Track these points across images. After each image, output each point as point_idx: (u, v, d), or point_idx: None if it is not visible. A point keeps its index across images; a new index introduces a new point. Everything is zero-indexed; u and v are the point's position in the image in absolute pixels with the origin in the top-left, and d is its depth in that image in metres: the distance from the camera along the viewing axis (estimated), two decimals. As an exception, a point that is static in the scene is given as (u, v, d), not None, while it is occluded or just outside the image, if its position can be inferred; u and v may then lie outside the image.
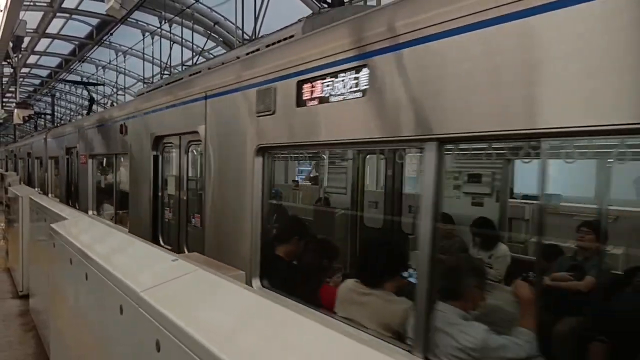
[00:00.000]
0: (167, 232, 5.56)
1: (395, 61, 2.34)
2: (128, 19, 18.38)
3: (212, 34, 19.38)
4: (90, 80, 29.36)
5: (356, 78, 2.54)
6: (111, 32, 21.49)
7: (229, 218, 3.89)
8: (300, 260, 3.89)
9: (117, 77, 28.31)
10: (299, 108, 3.01)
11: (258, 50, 4.01)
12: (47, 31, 24.08)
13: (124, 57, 25.59)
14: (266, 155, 3.48)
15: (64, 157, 10.50)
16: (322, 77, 2.80)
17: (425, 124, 2.20)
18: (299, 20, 3.83)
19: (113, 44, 24.55)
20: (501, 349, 2.35)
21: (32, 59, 29.73)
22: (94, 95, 31.77)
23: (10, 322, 6.38)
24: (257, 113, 3.43)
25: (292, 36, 3.67)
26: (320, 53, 2.82)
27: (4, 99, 27.90)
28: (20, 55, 20.72)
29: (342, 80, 2.64)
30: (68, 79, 31.76)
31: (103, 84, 27.26)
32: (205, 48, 19.34)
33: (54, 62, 31.23)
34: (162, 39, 20.22)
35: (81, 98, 38.88)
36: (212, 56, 21.27)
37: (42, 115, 30.33)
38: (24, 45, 20.74)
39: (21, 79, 27.47)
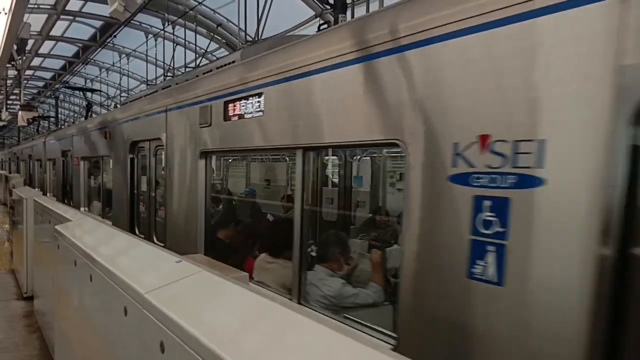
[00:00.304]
0: (141, 223, 6.51)
1: (276, 91, 3.35)
2: (131, 21, 18.45)
3: (215, 35, 19.43)
4: (91, 86, 29.64)
5: (258, 102, 3.55)
6: (115, 34, 21.57)
7: (184, 210, 4.84)
8: (233, 241, 5.01)
9: (120, 79, 28.42)
10: (225, 122, 3.98)
11: (210, 71, 5.21)
12: (51, 33, 24.20)
13: (128, 59, 25.67)
14: (207, 158, 4.47)
15: (60, 159, 11.60)
16: (239, 99, 3.78)
17: (296, 137, 3.19)
18: (240, 48, 5.40)
19: (116, 46, 24.64)
20: (353, 296, 3.34)
21: (36, 61, 29.88)
22: (99, 98, 32.01)
23: (15, 323, 6.40)
24: (199, 125, 4.41)
25: (233, 61, 4.78)
26: (238, 80, 3.83)
27: (8, 101, 28.04)
28: (24, 58, 20.81)
29: (251, 103, 3.64)
30: (69, 83, 31.97)
31: (100, 91, 28.00)
32: (208, 50, 19.39)
33: (58, 64, 31.36)
34: (165, 40, 20.27)
35: (85, 100, 39.04)
36: (215, 58, 21.34)
37: (46, 118, 30.46)
38: (28, 47, 20.83)
39: (25, 81, 27.64)
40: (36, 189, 12.33)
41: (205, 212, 4.53)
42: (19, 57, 18.60)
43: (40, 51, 27.36)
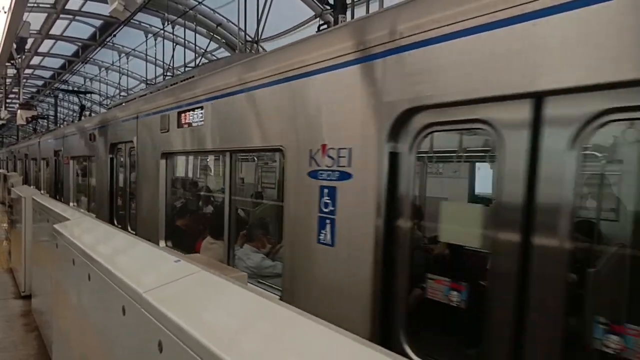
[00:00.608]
0: (119, 216, 7.40)
1: (211, 106, 4.28)
2: (131, 21, 18.44)
3: (214, 35, 19.42)
4: (91, 85, 29.66)
5: (201, 113, 4.44)
6: (114, 33, 21.54)
7: (150, 203, 5.66)
8: (188, 228, 6.00)
9: (120, 79, 28.39)
10: (179, 128, 4.87)
11: (176, 83, 6.38)
12: (50, 32, 24.16)
13: (127, 58, 25.65)
14: (167, 158, 5.42)
15: (52, 158, 12.80)
16: (187, 110, 4.69)
17: (223, 142, 4.10)
18: (201, 66, 7.12)
19: (116, 45, 24.61)
20: (270, 267, 4.31)
21: (36, 60, 29.81)
22: (98, 97, 31.98)
23: (13, 322, 6.39)
24: (160, 130, 5.28)
25: (193, 76, 5.93)
26: (186, 95, 4.74)
27: (7, 100, 27.99)
28: (23, 57, 20.77)
29: (195, 113, 4.54)
30: (68, 82, 32.02)
31: (92, 92, 29.03)
32: (208, 49, 19.38)
33: (57, 63, 31.31)
34: (165, 40, 20.26)
35: (83, 99, 38.99)
36: (215, 57, 21.33)
37: (45, 117, 30.44)
38: (27, 46, 20.79)
39: (24, 80, 27.59)
40: (32, 187, 13.01)
41: (166, 205, 5.50)
42: (19, 56, 18.56)
43: (40, 50, 27.32)
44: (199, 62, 18.77)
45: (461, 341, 2.59)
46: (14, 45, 14.45)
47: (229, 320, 1.72)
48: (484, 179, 5.43)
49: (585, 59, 1.81)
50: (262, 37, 13.50)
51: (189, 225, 6.10)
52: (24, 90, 25.37)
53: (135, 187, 6.32)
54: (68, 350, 3.58)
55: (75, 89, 35.23)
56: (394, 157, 2.54)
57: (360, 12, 10.48)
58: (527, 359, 2.00)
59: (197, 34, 18.72)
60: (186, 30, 18.27)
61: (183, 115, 4.78)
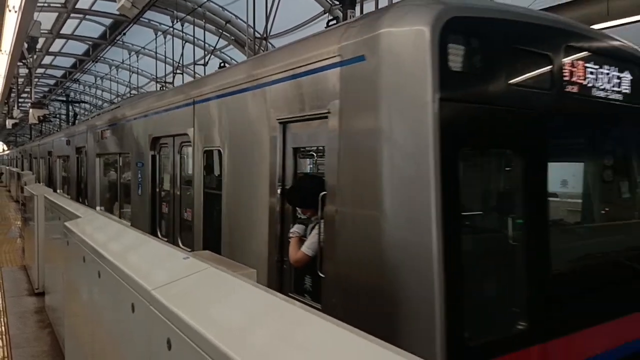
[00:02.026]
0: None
1: (108, 131, 9.15)
2: (140, 19, 18.50)
3: (223, 32, 19.43)
4: (102, 83, 29.85)
5: (110, 131, 8.97)
6: (124, 31, 21.65)
7: (93, 189, 10.15)
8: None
9: (130, 77, 28.55)
10: (102, 139, 9.42)
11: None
12: (61, 32, 24.35)
13: (137, 56, 25.77)
14: (100, 158, 9.92)
15: (46, 157, 17.55)
16: (106, 129, 9.10)
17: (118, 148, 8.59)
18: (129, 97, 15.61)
19: (126, 43, 24.73)
20: None
21: (47, 60, 30.09)
22: (109, 96, 32.14)
23: (27, 319, 6.46)
24: (95, 141, 9.93)
25: (119, 106, 10.44)
26: (106, 119, 9.50)
27: (20, 99, 28.28)
28: (35, 56, 20.97)
29: (107, 132, 9.06)
30: (79, 81, 32.38)
31: (82, 102, 32.27)
32: (217, 47, 19.39)
33: (68, 62, 31.57)
34: (174, 38, 20.30)
35: (95, 98, 39.30)
36: (225, 55, 21.36)
37: (56, 116, 30.82)
38: (38, 45, 20.99)
39: (36, 80, 27.83)
40: (41, 182, 16.76)
41: (101, 192, 9.88)
42: (30, 55, 18.76)
43: (51, 49, 27.56)
44: (208, 59, 18.81)
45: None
46: (25, 45, 14.59)
47: (238, 317, 1.70)
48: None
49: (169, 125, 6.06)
50: (271, 34, 13.48)
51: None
52: (35, 90, 25.59)
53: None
54: (80, 347, 3.61)
55: (80, 91, 36.12)
56: (153, 157, 6.47)
57: (369, 7, 10.36)
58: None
59: (206, 32, 18.74)
60: (195, 27, 18.29)
61: (103, 132, 9.49)
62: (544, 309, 2.90)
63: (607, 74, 3.39)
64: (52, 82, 37.66)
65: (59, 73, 34.69)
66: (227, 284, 2.00)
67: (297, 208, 3.71)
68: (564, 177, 4.15)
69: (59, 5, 21.13)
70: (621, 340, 3.35)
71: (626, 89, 3.53)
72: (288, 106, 3.57)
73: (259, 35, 13.48)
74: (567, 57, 3.13)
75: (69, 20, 23.08)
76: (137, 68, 26.98)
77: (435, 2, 2.69)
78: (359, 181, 2.86)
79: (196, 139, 5.13)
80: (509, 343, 2.76)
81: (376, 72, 2.73)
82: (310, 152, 7.07)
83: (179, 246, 5.43)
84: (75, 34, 25.55)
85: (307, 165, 8.95)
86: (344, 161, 2.93)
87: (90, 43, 27.20)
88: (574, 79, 3.16)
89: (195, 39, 18.44)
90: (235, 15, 18.90)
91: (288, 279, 3.67)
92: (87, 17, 23.02)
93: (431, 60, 2.49)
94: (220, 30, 19.30)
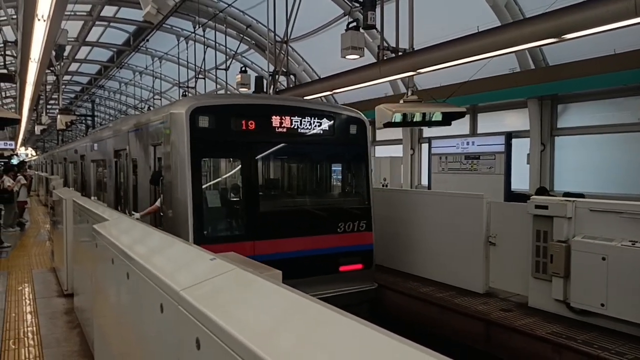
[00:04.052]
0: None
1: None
2: (163, 25, 18.78)
3: (244, 37, 19.60)
4: (125, 89, 30.44)
5: (75, 152, 18.62)
6: (147, 38, 22.02)
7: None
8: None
9: (153, 82, 29.01)
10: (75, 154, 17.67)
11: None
12: (87, 39, 24.90)
13: (160, 62, 26.17)
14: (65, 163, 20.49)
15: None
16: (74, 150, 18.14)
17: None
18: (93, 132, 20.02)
19: (149, 49, 25.14)
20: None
21: (74, 67, 30.79)
22: (132, 101, 32.75)
23: (57, 319, 6.62)
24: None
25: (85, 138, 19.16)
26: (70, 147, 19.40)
27: (48, 106, 29.00)
28: (62, 63, 21.49)
29: (76, 151, 18.04)
30: (104, 87, 33.14)
31: (93, 115, 32.72)
32: (238, 51, 19.56)
33: (94, 69, 32.27)
34: (196, 43, 20.56)
35: (119, 103, 40.05)
36: (247, 60, 21.52)
37: (83, 121, 31.47)
38: (65, 53, 21.52)
39: (63, 86, 28.51)
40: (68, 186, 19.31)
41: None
42: (57, 63, 19.21)
43: (77, 57, 28.20)
44: (230, 63, 18.97)
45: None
46: (53, 53, 14.97)
47: (265, 317, 1.72)
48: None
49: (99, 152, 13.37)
50: (292, 37, 13.52)
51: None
52: (63, 96, 26.22)
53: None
54: (108, 347, 3.68)
55: (105, 97, 37.30)
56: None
57: (389, 8, 10.31)
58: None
59: (227, 36, 18.93)
60: (216, 32, 18.50)
61: (72, 151, 15.52)
62: (254, 226, 6.79)
63: (292, 121, 7.14)
64: (78, 88, 38.52)
65: (84, 79, 35.46)
66: (254, 284, 2.02)
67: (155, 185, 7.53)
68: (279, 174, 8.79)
69: (85, 13, 21.62)
70: (303, 248, 6.95)
71: (305, 129, 7.26)
72: (156, 137, 7.63)
73: (279, 39, 13.56)
74: (266, 116, 6.97)
75: (94, 28, 23.58)
76: (160, 73, 27.40)
77: (189, 101, 7.02)
78: (169, 172, 6.85)
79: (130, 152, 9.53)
80: (231, 238, 6.84)
81: (169, 127, 6.82)
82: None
83: (128, 205, 9.72)
84: (100, 41, 26.09)
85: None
86: (165, 163, 7.05)
87: (114, 50, 27.74)
88: (272, 125, 6.99)
89: (217, 44, 18.64)
90: (256, 20, 19.03)
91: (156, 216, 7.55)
92: (111, 24, 23.48)
93: (188, 123, 6.41)
94: (241, 35, 19.48)
